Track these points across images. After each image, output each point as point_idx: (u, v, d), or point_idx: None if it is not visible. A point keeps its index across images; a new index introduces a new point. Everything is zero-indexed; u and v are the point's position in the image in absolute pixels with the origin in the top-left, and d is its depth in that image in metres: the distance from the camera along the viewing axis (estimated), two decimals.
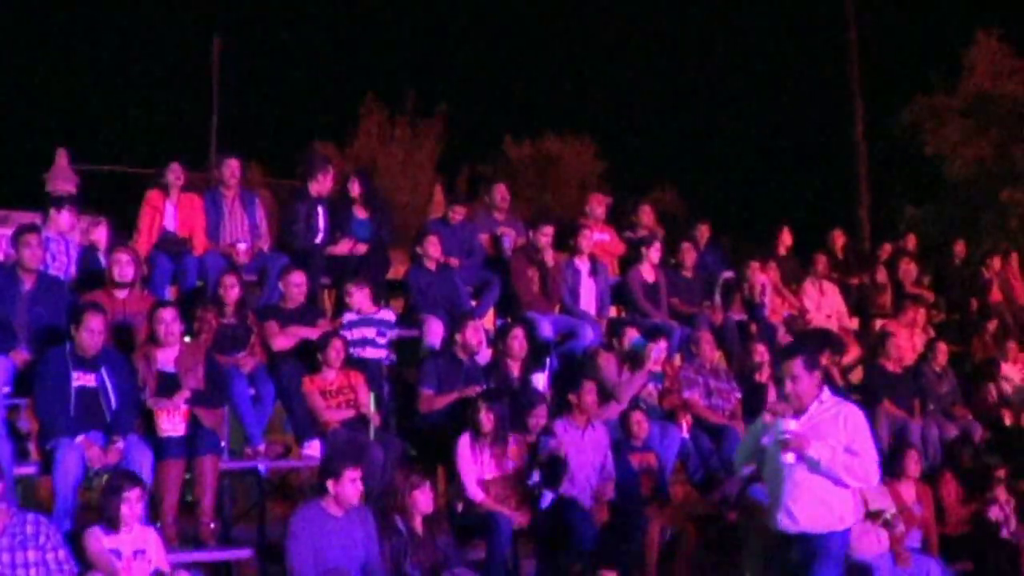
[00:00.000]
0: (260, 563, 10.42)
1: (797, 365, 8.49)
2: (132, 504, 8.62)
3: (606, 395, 12.35)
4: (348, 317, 12.23)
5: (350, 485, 9.05)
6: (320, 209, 13.34)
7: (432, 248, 13.33)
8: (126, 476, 8.83)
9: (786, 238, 17.17)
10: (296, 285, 12.10)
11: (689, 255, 15.19)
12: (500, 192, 15.05)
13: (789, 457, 8.31)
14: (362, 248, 13.28)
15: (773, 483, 8.70)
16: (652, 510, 11.40)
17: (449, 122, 32.70)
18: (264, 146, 28.80)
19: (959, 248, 18.85)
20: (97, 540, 8.54)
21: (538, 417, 11.36)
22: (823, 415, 8.50)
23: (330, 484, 9.04)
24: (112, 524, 8.58)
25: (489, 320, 13.98)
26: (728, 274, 15.78)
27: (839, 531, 8.49)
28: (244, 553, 10.24)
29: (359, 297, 12.37)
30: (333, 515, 8.97)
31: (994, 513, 12.57)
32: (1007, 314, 17.79)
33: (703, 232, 16.46)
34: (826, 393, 8.57)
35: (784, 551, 8.65)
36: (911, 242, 19.20)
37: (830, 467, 8.30)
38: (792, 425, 8.34)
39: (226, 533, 10.51)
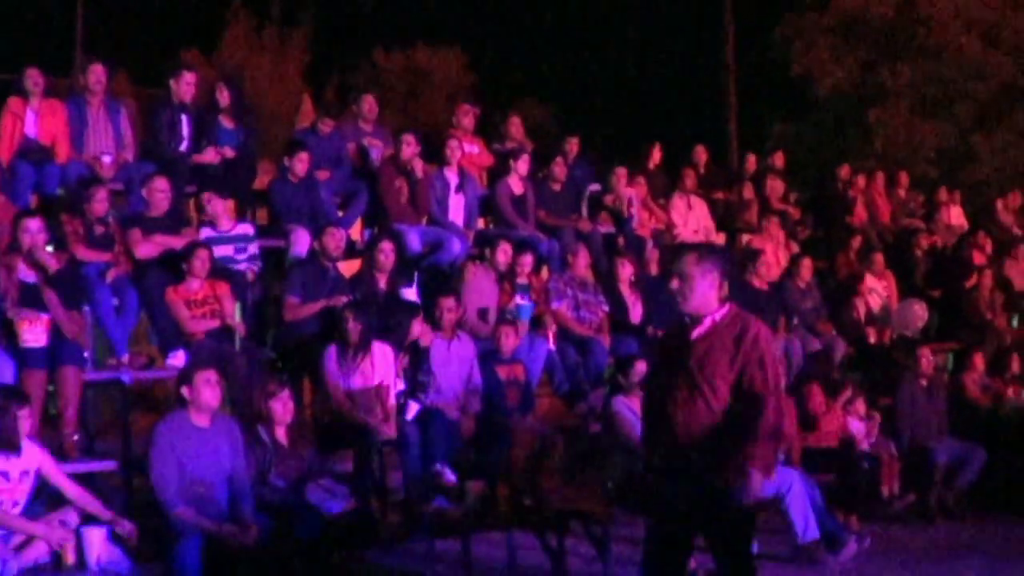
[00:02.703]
0: (124, 475, 10.30)
1: None
2: (23, 423, 8.45)
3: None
4: (205, 233, 12.08)
5: (205, 387, 8.78)
6: (184, 117, 13.14)
7: (299, 165, 13.13)
8: (12, 395, 8.61)
9: (655, 154, 17.27)
10: (160, 191, 11.89)
11: (559, 168, 15.20)
12: (368, 103, 14.91)
13: None
14: (229, 153, 13.14)
15: None
16: (518, 421, 11.45)
17: (318, 31, 32.36)
18: (130, 52, 28.25)
19: (844, 172, 19.06)
20: None
21: (412, 329, 11.40)
22: None
23: (185, 391, 8.84)
24: (11, 446, 8.38)
25: (356, 231, 13.91)
26: (595, 186, 15.83)
27: None
28: (108, 465, 10.12)
29: (219, 207, 12.24)
30: (198, 425, 8.77)
31: (854, 426, 12.80)
32: (871, 231, 18.06)
33: (572, 145, 16.47)
34: None
35: None
36: (778, 159, 19.40)
37: None
38: None
39: (89, 445, 10.37)
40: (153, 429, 8.95)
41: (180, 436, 8.69)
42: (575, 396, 12.60)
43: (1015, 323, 16.91)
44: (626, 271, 13.74)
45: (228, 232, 12.27)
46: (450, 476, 10.39)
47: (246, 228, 12.49)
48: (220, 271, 11.64)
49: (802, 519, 10.64)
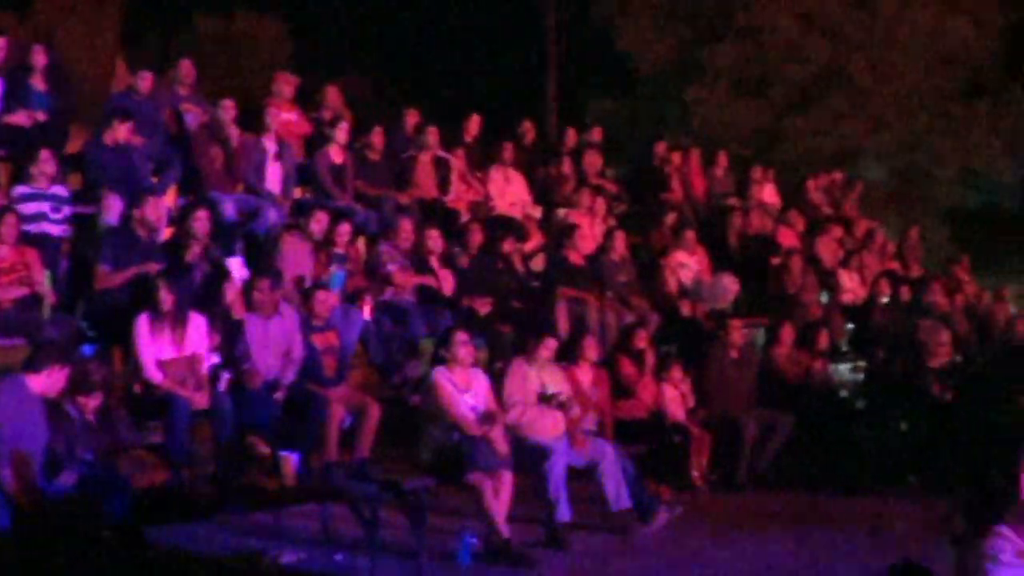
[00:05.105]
0: None
1: None
2: None
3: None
4: (20, 190, 11.78)
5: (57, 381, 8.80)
6: None
7: (122, 133, 12.90)
8: None
9: (473, 126, 17.25)
10: None
11: (377, 138, 15.15)
12: (185, 68, 14.73)
13: None
14: (41, 116, 12.86)
15: None
16: (333, 391, 11.36)
17: None
18: None
19: (660, 148, 19.22)
20: None
21: (224, 299, 11.31)
22: None
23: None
24: None
25: (171, 198, 13.69)
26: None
27: None
28: None
29: (51, 167, 11.95)
30: (31, 394, 8.65)
31: (669, 393, 13.00)
32: (686, 208, 18.30)
33: (411, 117, 16.44)
34: None
35: None
36: (597, 134, 19.52)
37: None
38: None
39: None
40: None
41: (18, 401, 8.52)
42: (390, 367, 12.60)
43: (824, 299, 17.27)
44: (436, 244, 13.78)
45: (46, 190, 11.97)
46: (263, 447, 10.31)
47: (61, 189, 12.19)
48: (30, 238, 11.36)
49: (614, 488, 10.81)
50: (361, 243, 13.99)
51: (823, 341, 14.86)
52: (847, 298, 17.56)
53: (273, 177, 13.97)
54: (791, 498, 12.75)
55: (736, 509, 12.27)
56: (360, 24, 35.74)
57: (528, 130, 18.15)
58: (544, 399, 11.00)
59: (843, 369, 15.85)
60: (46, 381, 8.76)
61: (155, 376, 10.41)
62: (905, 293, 17.20)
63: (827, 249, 18.44)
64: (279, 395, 11.00)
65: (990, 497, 4.51)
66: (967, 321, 17.52)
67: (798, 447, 13.56)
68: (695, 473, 12.85)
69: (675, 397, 13.07)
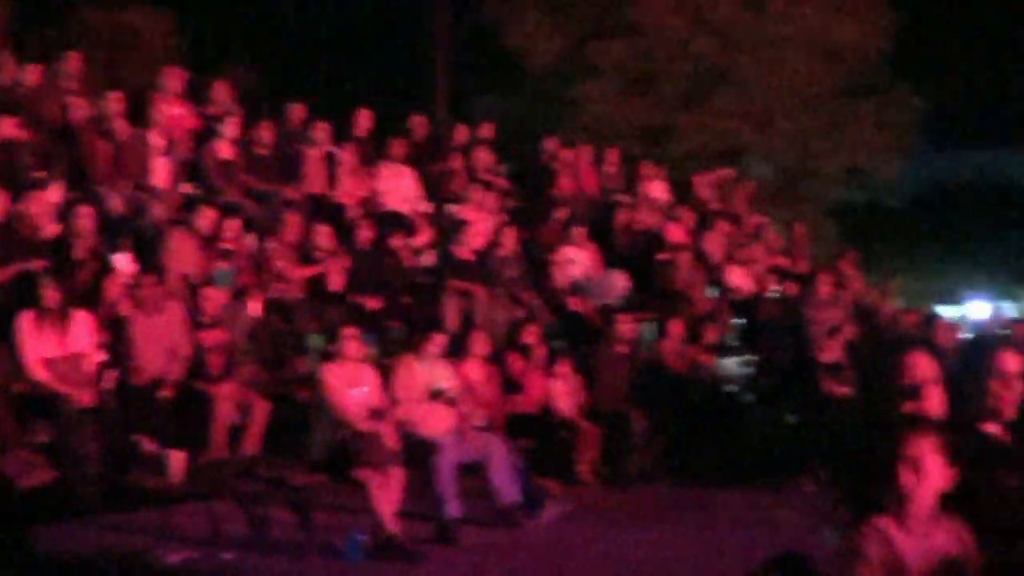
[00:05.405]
0: None
1: None
2: None
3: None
4: None
5: None
6: None
7: (6, 128, 12.74)
8: None
9: (363, 120, 17.19)
10: None
11: (266, 132, 15.07)
12: (73, 61, 14.56)
13: None
14: None
15: None
16: (220, 388, 11.29)
17: None
18: None
19: (550, 144, 19.26)
20: None
21: (109, 295, 11.19)
22: None
23: None
24: None
25: (57, 193, 13.51)
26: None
27: None
28: None
29: None
30: None
31: (558, 387, 13.06)
32: (576, 204, 18.36)
33: (298, 111, 16.32)
34: None
35: None
36: (487, 130, 19.53)
37: None
38: None
39: None
40: None
41: None
42: (278, 363, 12.55)
43: (712, 293, 17.42)
44: (325, 239, 13.74)
45: None
46: (150, 445, 10.22)
47: None
48: None
49: (503, 483, 10.84)
50: (250, 239, 13.89)
51: (711, 335, 15.01)
52: (735, 293, 17.72)
53: (160, 172, 13.86)
54: (680, 492, 12.85)
55: (625, 503, 12.35)
56: (247, 16, 35.51)
57: (418, 125, 18.12)
58: (433, 395, 11.01)
59: (731, 363, 16.00)
60: None
61: (39, 374, 10.30)
62: (792, 288, 17.41)
63: (715, 244, 18.59)
64: (165, 393, 10.93)
65: (872, 487, 4.59)
66: (853, 315, 17.75)
67: (687, 441, 13.66)
68: (583, 468, 12.92)
69: (564, 392, 13.14)
